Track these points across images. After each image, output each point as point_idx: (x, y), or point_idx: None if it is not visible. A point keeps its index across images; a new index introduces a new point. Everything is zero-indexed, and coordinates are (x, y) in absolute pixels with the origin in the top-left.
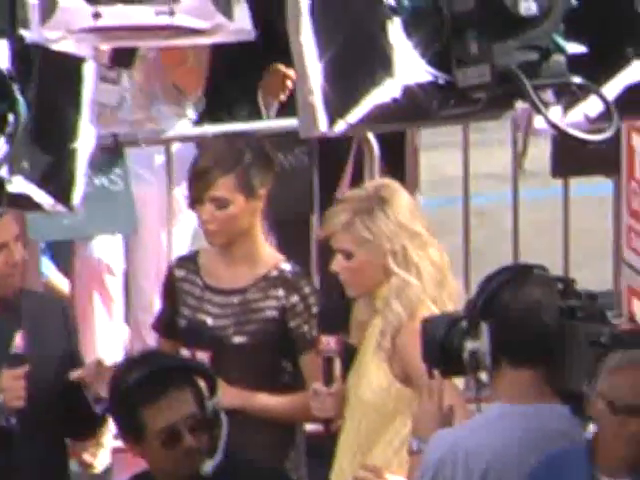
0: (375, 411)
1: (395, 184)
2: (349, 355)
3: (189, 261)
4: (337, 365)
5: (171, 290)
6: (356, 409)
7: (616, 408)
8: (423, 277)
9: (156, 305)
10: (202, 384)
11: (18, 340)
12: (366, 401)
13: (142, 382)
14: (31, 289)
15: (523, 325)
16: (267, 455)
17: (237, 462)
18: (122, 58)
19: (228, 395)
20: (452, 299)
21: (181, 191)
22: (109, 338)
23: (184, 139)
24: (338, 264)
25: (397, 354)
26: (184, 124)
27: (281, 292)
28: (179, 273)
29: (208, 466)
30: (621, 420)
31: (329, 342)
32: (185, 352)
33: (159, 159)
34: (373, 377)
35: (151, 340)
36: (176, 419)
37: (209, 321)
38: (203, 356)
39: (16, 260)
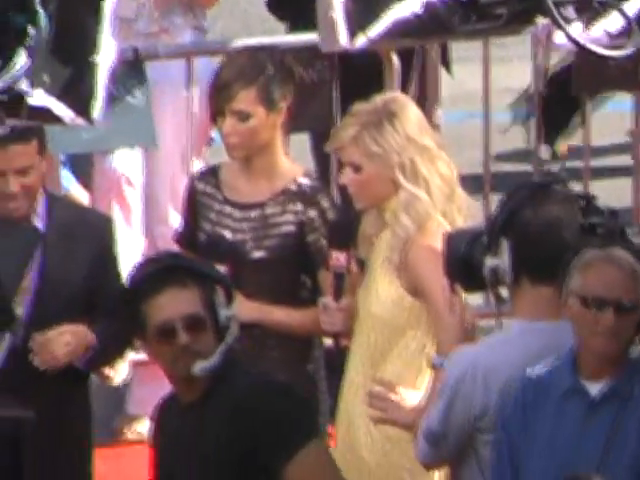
0: (384, 324)
1: (404, 98)
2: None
3: (210, 175)
4: (346, 280)
5: (192, 203)
6: (365, 323)
7: (588, 304)
8: (432, 191)
9: (171, 217)
10: (219, 291)
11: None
12: (375, 314)
13: (147, 278)
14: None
15: (543, 242)
16: (284, 369)
17: (237, 370)
18: None
19: (246, 308)
20: (461, 212)
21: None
22: (128, 248)
23: (205, 52)
24: (346, 177)
25: (407, 267)
26: (201, 36)
27: (299, 206)
28: (200, 186)
29: (198, 367)
30: (594, 315)
31: (339, 258)
32: None
33: (175, 71)
34: (382, 291)
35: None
36: (172, 315)
37: (228, 235)
38: (222, 270)
39: (10, 191)
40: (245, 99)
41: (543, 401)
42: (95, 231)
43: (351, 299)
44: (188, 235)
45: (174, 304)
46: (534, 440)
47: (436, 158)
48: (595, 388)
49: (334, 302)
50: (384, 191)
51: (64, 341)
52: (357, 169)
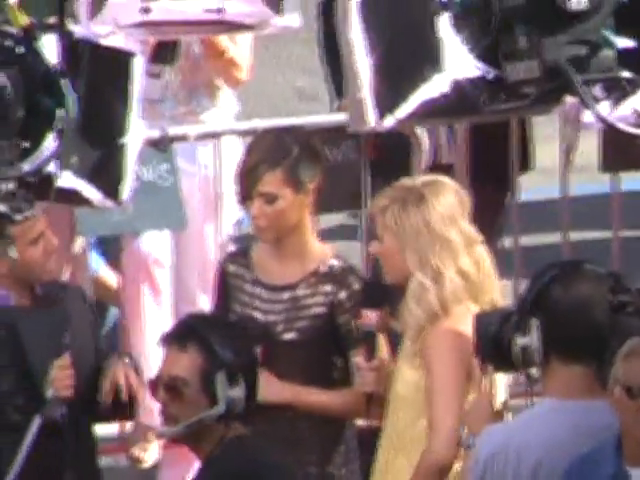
0: (408, 405)
1: (446, 184)
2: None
3: (241, 256)
4: (379, 340)
5: (222, 285)
6: (393, 403)
7: (632, 393)
8: (444, 285)
9: (200, 298)
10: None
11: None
12: (400, 395)
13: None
14: (66, 282)
15: (573, 321)
16: (317, 451)
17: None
18: (165, 54)
19: (278, 389)
20: (495, 305)
21: (225, 186)
22: (158, 330)
23: (233, 133)
24: (372, 246)
25: (422, 355)
26: (231, 119)
27: (329, 288)
28: (231, 268)
29: (160, 430)
30: (638, 404)
31: (370, 316)
32: None
33: (202, 152)
34: (406, 372)
35: None
36: (160, 372)
37: (259, 317)
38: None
39: (54, 245)
40: (272, 181)
41: None
42: (85, 302)
43: (383, 359)
44: None
45: (166, 362)
46: None
47: (458, 252)
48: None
49: (366, 362)
50: (402, 270)
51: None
52: (380, 240)
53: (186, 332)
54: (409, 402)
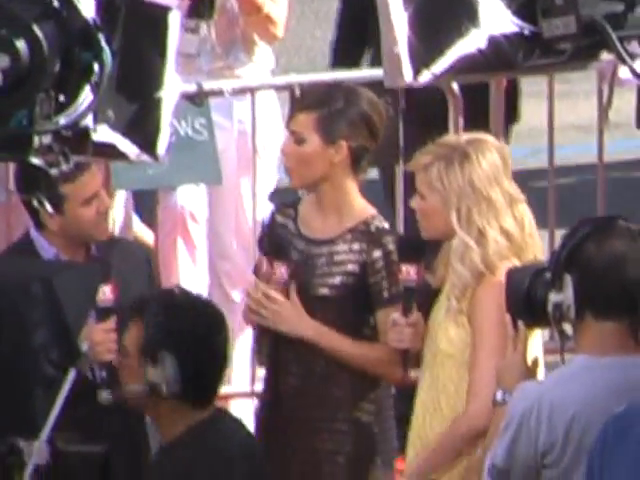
0: (453, 363)
1: (490, 143)
2: (429, 295)
3: (290, 208)
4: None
5: (270, 235)
6: (433, 361)
7: None
8: (488, 244)
9: (235, 253)
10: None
11: (108, 292)
12: (443, 351)
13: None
14: (119, 237)
15: (606, 277)
16: (347, 408)
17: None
18: (201, 9)
19: (304, 324)
20: None
21: (261, 141)
22: (193, 285)
23: (269, 88)
24: (414, 202)
25: (469, 313)
26: (267, 73)
27: (364, 246)
28: (279, 219)
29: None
30: None
31: (409, 271)
32: None
33: (238, 107)
34: (451, 329)
35: (230, 287)
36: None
37: (298, 270)
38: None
39: (107, 207)
40: (302, 122)
41: (625, 441)
42: (142, 261)
43: (420, 316)
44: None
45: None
46: None
47: (501, 211)
48: None
49: (403, 317)
50: (443, 227)
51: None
52: (422, 197)
53: (138, 306)
54: (455, 360)
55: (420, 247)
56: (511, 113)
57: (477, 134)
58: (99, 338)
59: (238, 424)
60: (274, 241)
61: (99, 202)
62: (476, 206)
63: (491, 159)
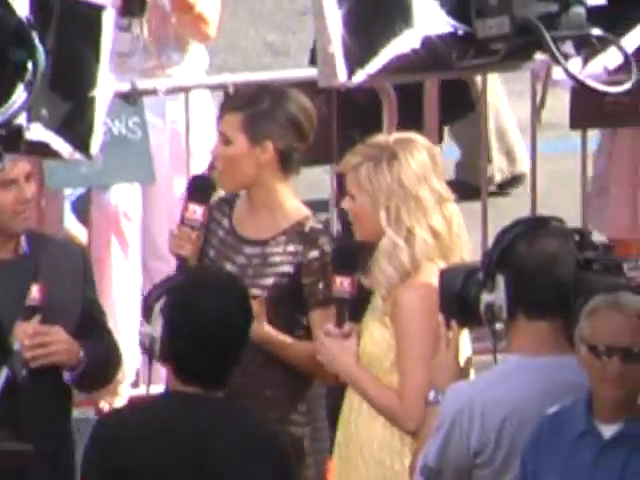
0: (377, 363)
1: (419, 142)
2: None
3: (226, 204)
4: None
5: (205, 229)
6: (361, 362)
7: (596, 351)
8: (415, 243)
9: (167, 253)
10: None
11: (34, 292)
12: (368, 353)
13: None
14: (52, 236)
15: (538, 277)
16: (279, 408)
17: None
18: (132, 7)
19: (261, 328)
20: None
21: (194, 141)
22: (126, 283)
23: (203, 87)
24: (345, 203)
25: (393, 315)
26: (201, 73)
27: (300, 247)
28: (214, 214)
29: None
30: (604, 363)
31: (343, 283)
32: None
33: (171, 107)
34: (375, 331)
35: None
36: None
37: (228, 267)
38: None
39: (27, 197)
40: (229, 123)
41: (557, 441)
42: (76, 259)
43: (354, 326)
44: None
45: None
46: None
47: (430, 210)
48: (609, 430)
49: (336, 329)
50: (374, 228)
51: (59, 337)
52: (352, 198)
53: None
54: (379, 361)
55: (354, 257)
56: (463, 104)
57: (406, 134)
58: (26, 344)
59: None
60: (206, 235)
61: (18, 190)
62: (405, 205)
63: (419, 158)
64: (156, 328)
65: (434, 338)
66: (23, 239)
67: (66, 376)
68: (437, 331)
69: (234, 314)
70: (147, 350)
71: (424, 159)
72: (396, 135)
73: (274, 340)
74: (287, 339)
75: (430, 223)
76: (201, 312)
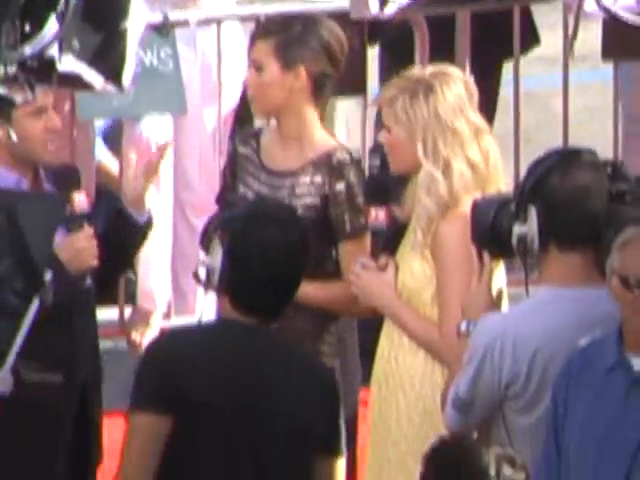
0: (416, 296)
1: (454, 74)
2: (398, 232)
3: (252, 138)
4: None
5: (232, 164)
6: (400, 295)
7: (629, 283)
8: (452, 175)
9: (198, 184)
10: None
11: (82, 200)
12: (408, 287)
13: None
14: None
15: (570, 209)
16: (307, 340)
17: None
18: None
19: None
20: None
21: (225, 72)
22: (157, 214)
23: (235, 18)
24: (382, 135)
25: (433, 247)
26: (232, 4)
27: (326, 179)
28: (241, 149)
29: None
30: (635, 295)
31: (377, 214)
32: None
33: (201, 38)
34: (415, 265)
35: (193, 217)
36: None
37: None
38: None
39: (56, 126)
40: (261, 49)
41: (588, 374)
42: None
43: (389, 259)
44: (225, 197)
45: None
46: (575, 413)
47: (466, 143)
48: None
49: (372, 261)
50: (410, 160)
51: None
52: (388, 131)
53: None
54: (418, 294)
55: (388, 189)
56: (529, 37)
57: (442, 66)
58: (83, 245)
59: None
60: (235, 170)
61: (48, 118)
62: (441, 137)
63: (455, 91)
64: (215, 258)
65: (473, 272)
66: (41, 169)
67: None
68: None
69: (297, 248)
70: (204, 279)
71: (460, 91)
72: (431, 68)
73: (301, 296)
74: (311, 290)
75: (467, 155)
76: (266, 245)
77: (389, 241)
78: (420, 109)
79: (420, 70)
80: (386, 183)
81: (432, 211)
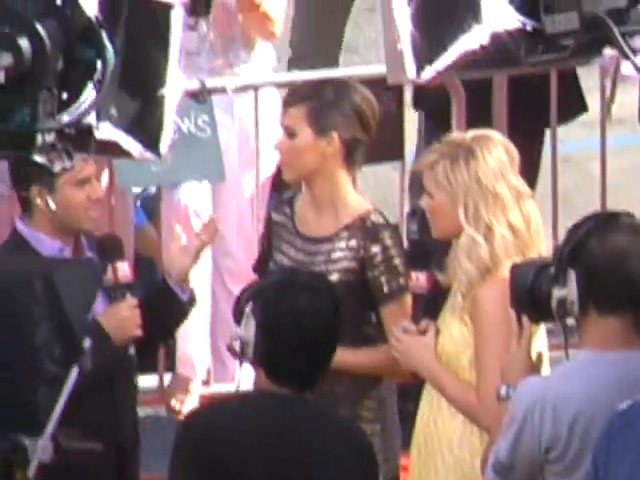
0: (455, 360)
1: (495, 138)
2: (440, 297)
3: (286, 205)
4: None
5: (268, 233)
6: (439, 359)
7: None
8: (494, 239)
9: (237, 250)
10: None
11: (126, 269)
12: (447, 351)
13: None
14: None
15: (609, 273)
16: (347, 404)
17: None
18: (198, 6)
19: None
20: None
21: (263, 138)
22: (196, 281)
23: (271, 85)
24: (423, 201)
25: (472, 312)
26: (268, 70)
27: (361, 242)
28: (275, 217)
29: None
30: None
31: (419, 278)
32: None
33: (239, 105)
34: (454, 329)
35: (231, 284)
36: None
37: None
38: None
39: (99, 196)
40: (293, 115)
41: (629, 437)
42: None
43: (430, 323)
44: (261, 265)
45: None
46: (616, 476)
47: (508, 207)
48: None
49: (413, 325)
50: (452, 225)
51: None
52: (430, 196)
53: None
54: (457, 358)
55: (430, 253)
56: (576, 103)
57: (482, 131)
58: (127, 313)
59: None
60: (270, 238)
61: (91, 188)
62: (483, 201)
63: (496, 155)
64: (248, 330)
65: (511, 337)
66: (83, 238)
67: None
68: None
69: (329, 315)
70: (238, 353)
71: (501, 155)
72: (472, 132)
73: (342, 364)
74: (350, 357)
75: (509, 219)
76: (297, 314)
77: (430, 305)
78: (461, 174)
79: (461, 135)
80: (426, 247)
81: (473, 275)
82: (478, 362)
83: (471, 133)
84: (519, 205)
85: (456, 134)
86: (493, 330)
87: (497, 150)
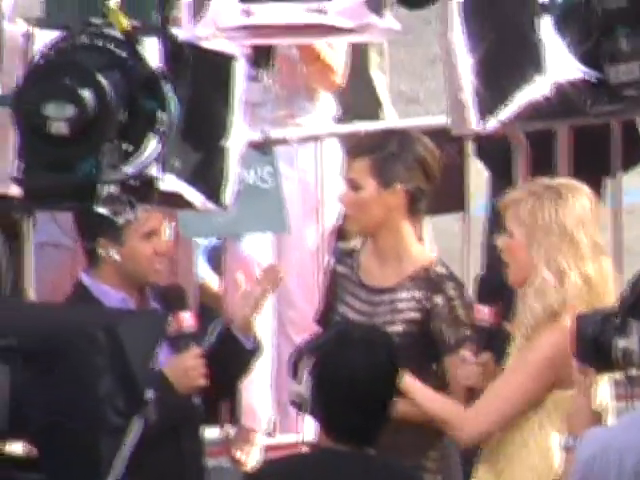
0: None
1: (583, 189)
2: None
3: (349, 257)
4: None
5: (331, 285)
6: None
7: None
8: (566, 286)
9: (300, 302)
10: None
11: (189, 318)
12: None
13: None
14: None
15: None
16: (410, 455)
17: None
18: (259, 58)
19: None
20: None
21: (325, 189)
22: (260, 332)
23: (334, 136)
24: (500, 240)
25: (526, 343)
26: (331, 121)
27: (425, 293)
28: (339, 269)
29: None
30: None
31: (484, 311)
32: None
33: (302, 156)
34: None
35: (294, 334)
36: None
37: (358, 319)
38: None
39: (165, 248)
40: (357, 169)
41: None
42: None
43: (490, 356)
44: (324, 317)
45: None
46: None
47: (585, 258)
48: None
49: (473, 356)
50: (527, 267)
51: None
52: (510, 235)
53: None
54: None
55: (498, 288)
56: (635, 152)
57: (569, 179)
58: (192, 363)
59: None
60: (333, 290)
61: (158, 241)
62: (561, 245)
63: (582, 203)
64: (305, 387)
65: (538, 388)
66: (148, 288)
67: (248, 344)
68: (545, 382)
69: (385, 369)
70: (298, 408)
71: (586, 205)
72: (560, 179)
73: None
74: (405, 408)
75: (584, 269)
76: (352, 369)
77: (492, 339)
78: (544, 213)
79: (548, 179)
80: (496, 282)
81: (539, 317)
82: (497, 382)
83: (558, 179)
84: (596, 259)
85: (545, 178)
86: (528, 369)
87: (583, 199)
